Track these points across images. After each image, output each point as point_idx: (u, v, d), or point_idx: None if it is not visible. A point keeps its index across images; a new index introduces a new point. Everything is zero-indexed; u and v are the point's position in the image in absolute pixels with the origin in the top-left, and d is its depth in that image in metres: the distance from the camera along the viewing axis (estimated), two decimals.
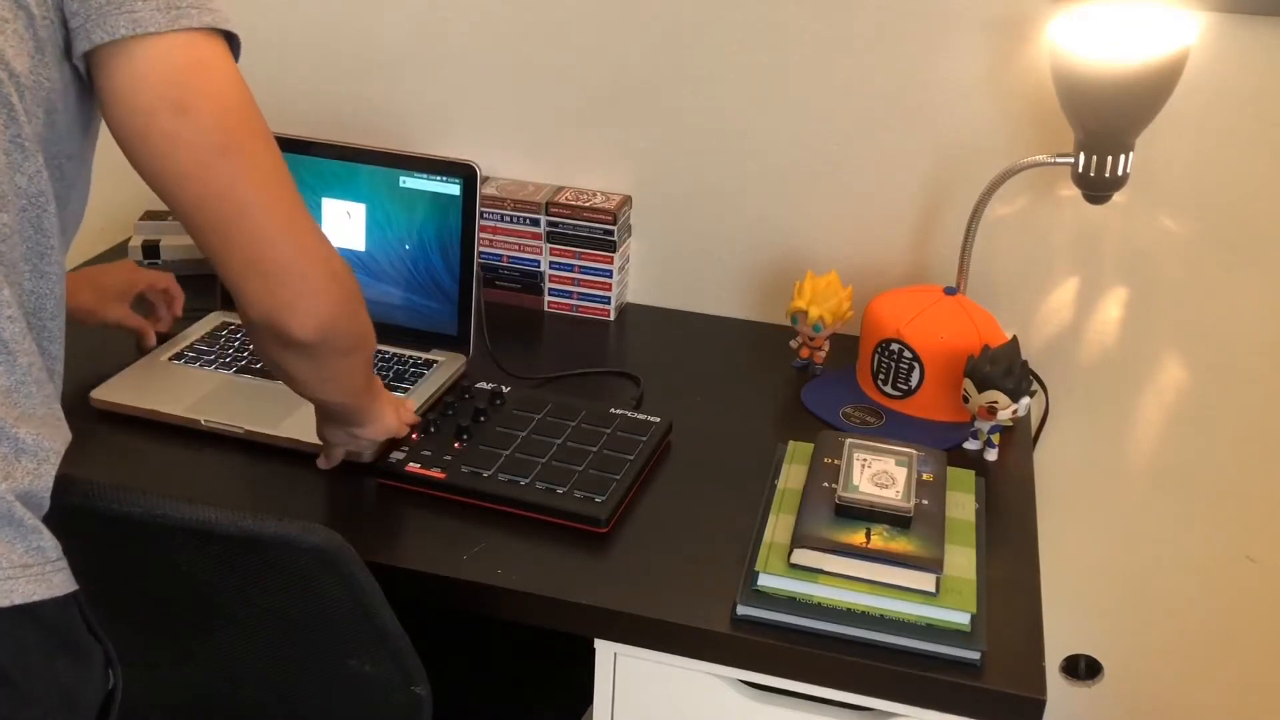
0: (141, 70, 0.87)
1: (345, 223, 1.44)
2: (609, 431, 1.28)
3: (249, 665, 1.05)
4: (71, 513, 0.96)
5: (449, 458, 1.23)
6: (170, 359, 1.40)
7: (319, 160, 1.42)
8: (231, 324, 1.48)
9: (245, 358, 1.41)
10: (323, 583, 0.95)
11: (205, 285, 1.49)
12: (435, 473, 1.20)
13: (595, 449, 1.25)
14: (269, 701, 1.08)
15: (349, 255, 1.45)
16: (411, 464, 1.22)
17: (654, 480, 1.25)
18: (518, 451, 1.24)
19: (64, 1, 0.86)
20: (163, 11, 0.86)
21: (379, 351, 1.42)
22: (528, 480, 1.20)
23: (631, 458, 1.24)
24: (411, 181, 1.40)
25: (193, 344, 1.43)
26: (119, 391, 1.33)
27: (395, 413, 1.20)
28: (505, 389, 1.35)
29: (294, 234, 0.94)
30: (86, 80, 0.90)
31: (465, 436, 1.26)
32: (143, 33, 0.86)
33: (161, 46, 0.87)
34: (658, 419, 1.31)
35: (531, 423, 1.29)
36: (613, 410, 1.32)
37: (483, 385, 1.36)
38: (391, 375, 1.38)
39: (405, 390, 1.36)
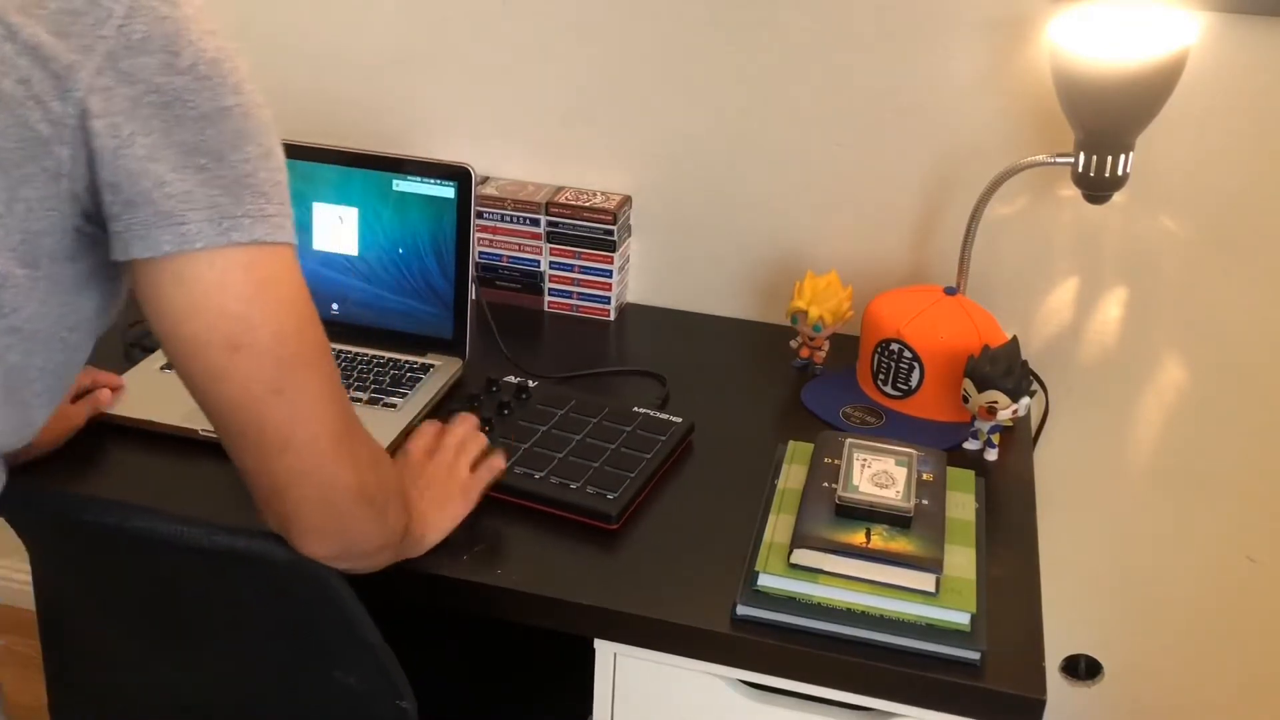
0: (192, 296, 0.80)
1: (337, 227, 1.44)
2: (629, 430, 1.28)
3: (236, 673, 1.05)
4: (48, 523, 0.96)
5: None
6: (162, 368, 1.38)
7: (310, 165, 1.42)
8: None
9: None
10: (301, 596, 0.95)
11: None
12: None
13: (614, 446, 1.25)
14: (258, 710, 1.07)
15: (341, 260, 1.44)
16: None
17: (658, 480, 1.25)
18: (536, 446, 1.25)
19: (103, 203, 0.78)
20: (213, 224, 0.78)
21: (375, 357, 1.41)
22: (543, 474, 1.20)
23: (648, 456, 1.24)
24: (404, 185, 1.40)
25: None
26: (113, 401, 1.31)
27: (464, 502, 1.11)
28: (532, 384, 1.36)
29: (333, 468, 0.88)
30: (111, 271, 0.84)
31: (488, 429, 1.27)
32: (190, 249, 0.78)
33: (215, 269, 0.79)
34: (679, 419, 1.31)
35: (554, 418, 1.30)
36: (635, 409, 1.32)
37: (510, 379, 1.37)
38: (388, 380, 1.38)
39: (403, 395, 1.35)
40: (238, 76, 0.81)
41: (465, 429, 1.18)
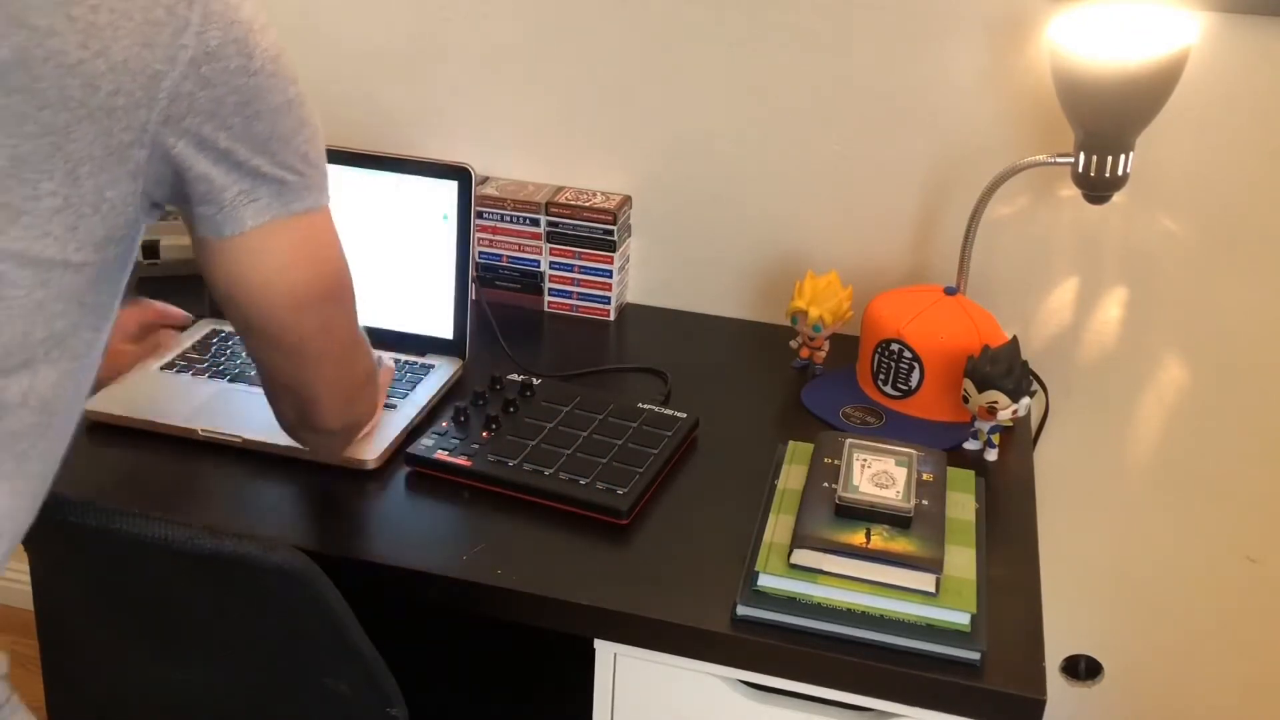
0: (264, 267, 0.90)
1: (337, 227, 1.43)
2: (635, 425, 1.29)
3: (227, 677, 1.05)
4: (39, 524, 0.96)
5: (476, 446, 1.24)
6: (161, 369, 1.38)
7: None
8: (221, 331, 1.46)
9: (238, 366, 1.39)
10: (289, 602, 0.95)
11: (197, 289, 1.48)
12: (462, 460, 1.22)
13: (621, 442, 1.26)
14: (248, 714, 1.07)
15: None
16: (440, 451, 1.23)
17: (665, 475, 1.25)
18: (544, 443, 1.25)
19: (188, 194, 0.86)
20: (280, 199, 0.89)
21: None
22: (552, 470, 1.21)
23: (655, 451, 1.24)
24: (405, 184, 1.40)
25: (184, 353, 1.41)
26: (111, 402, 1.30)
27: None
28: (536, 381, 1.36)
29: (353, 363, 1.05)
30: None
31: (494, 426, 1.27)
32: (261, 223, 0.89)
33: (283, 241, 0.90)
34: (684, 414, 1.31)
35: (559, 415, 1.30)
36: (640, 405, 1.33)
37: (513, 377, 1.37)
38: None
39: (403, 395, 1.35)
40: (292, 67, 0.89)
41: None
